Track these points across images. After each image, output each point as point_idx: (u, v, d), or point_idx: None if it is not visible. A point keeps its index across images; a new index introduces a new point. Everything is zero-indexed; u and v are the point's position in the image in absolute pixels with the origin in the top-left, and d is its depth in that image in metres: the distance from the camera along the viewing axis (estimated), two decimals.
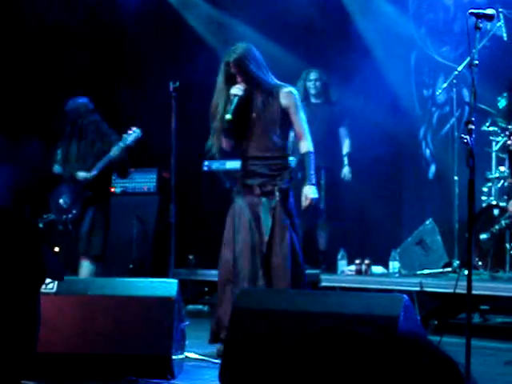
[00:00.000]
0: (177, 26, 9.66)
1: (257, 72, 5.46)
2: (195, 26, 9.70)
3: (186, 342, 5.27)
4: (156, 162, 9.11)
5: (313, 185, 5.57)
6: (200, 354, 5.39)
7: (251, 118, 5.53)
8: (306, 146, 5.55)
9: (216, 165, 8.49)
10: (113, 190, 9.11)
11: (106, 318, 4.79)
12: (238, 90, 5.42)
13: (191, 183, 8.45)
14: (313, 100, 8.44)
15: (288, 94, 5.49)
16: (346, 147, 8.45)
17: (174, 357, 4.77)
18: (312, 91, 8.39)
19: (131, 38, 9.72)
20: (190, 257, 8.43)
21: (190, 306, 8.07)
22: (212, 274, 8.34)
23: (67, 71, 9.28)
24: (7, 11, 9.04)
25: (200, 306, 8.45)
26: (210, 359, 5.22)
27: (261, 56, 5.56)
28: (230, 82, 5.47)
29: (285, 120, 5.51)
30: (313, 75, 8.39)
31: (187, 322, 5.22)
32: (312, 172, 5.56)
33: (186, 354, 5.19)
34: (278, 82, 5.59)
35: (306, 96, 8.34)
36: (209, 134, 9.04)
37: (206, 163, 8.57)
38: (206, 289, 8.71)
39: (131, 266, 8.53)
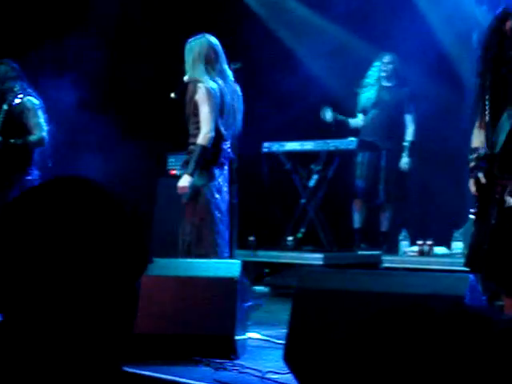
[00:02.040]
0: (237, 7, 9.64)
1: (191, 65, 6.02)
2: (256, 7, 9.68)
3: (249, 323, 5.29)
4: None
5: (188, 174, 5.87)
6: (263, 335, 5.40)
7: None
8: (200, 138, 5.89)
9: (276, 146, 8.48)
10: (174, 172, 9.17)
11: (170, 298, 4.82)
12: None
13: (251, 165, 8.45)
14: (383, 83, 8.50)
15: (196, 90, 5.97)
16: (409, 135, 8.44)
17: (237, 337, 4.79)
18: (383, 74, 8.47)
19: (192, 20, 9.73)
20: (251, 238, 8.44)
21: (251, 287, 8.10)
22: (273, 256, 8.37)
23: (128, 53, 9.35)
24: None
25: (261, 288, 8.47)
26: (273, 340, 5.23)
27: (209, 47, 6.06)
28: None
29: (196, 111, 5.98)
30: (386, 58, 8.48)
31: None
32: (192, 163, 5.83)
33: (249, 334, 5.21)
34: (203, 76, 5.99)
35: (378, 79, 8.47)
36: (268, 115, 9.09)
37: (266, 145, 8.56)
38: (267, 270, 8.73)
39: None
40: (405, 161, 8.38)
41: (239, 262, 5.00)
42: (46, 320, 1.26)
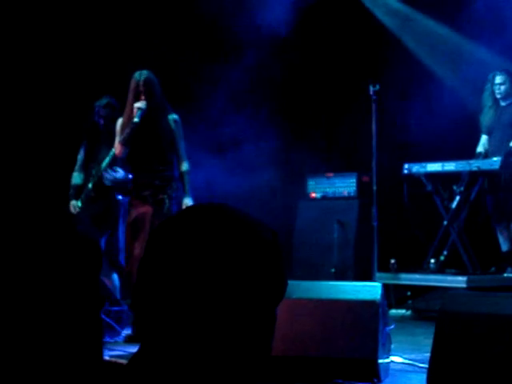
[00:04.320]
0: (374, 28, 9.62)
1: (159, 94, 6.49)
2: (392, 27, 9.64)
3: (392, 346, 5.24)
4: (355, 166, 9.12)
5: (189, 197, 6.50)
6: (406, 358, 5.33)
7: (148, 132, 6.45)
8: (186, 166, 6.56)
9: (416, 168, 8.37)
10: (314, 195, 9.22)
11: (312, 321, 4.84)
12: (141, 103, 6.43)
13: (391, 186, 8.38)
14: (502, 103, 8.21)
15: (173, 122, 6.51)
16: None
17: (379, 360, 4.75)
18: (498, 95, 8.15)
19: (329, 42, 9.78)
20: (392, 261, 8.35)
21: (393, 311, 8.00)
22: (415, 278, 8.25)
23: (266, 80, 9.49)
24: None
25: (403, 311, 8.37)
26: (417, 363, 5.15)
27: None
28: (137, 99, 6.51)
29: (170, 140, 6.50)
30: (498, 79, 8.15)
31: (392, 326, 5.19)
32: (189, 187, 6.52)
33: (392, 357, 5.16)
34: (169, 109, 6.54)
35: (494, 99, 8.16)
36: (407, 136, 9.01)
37: (406, 166, 8.46)
38: (409, 293, 8.62)
39: (333, 270, 8.58)
40: None
41: (380, 284, 4.97)
42: (186, 347, 1.29)
